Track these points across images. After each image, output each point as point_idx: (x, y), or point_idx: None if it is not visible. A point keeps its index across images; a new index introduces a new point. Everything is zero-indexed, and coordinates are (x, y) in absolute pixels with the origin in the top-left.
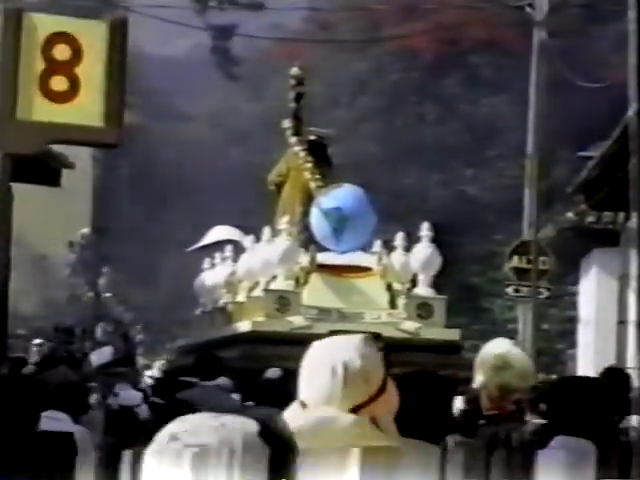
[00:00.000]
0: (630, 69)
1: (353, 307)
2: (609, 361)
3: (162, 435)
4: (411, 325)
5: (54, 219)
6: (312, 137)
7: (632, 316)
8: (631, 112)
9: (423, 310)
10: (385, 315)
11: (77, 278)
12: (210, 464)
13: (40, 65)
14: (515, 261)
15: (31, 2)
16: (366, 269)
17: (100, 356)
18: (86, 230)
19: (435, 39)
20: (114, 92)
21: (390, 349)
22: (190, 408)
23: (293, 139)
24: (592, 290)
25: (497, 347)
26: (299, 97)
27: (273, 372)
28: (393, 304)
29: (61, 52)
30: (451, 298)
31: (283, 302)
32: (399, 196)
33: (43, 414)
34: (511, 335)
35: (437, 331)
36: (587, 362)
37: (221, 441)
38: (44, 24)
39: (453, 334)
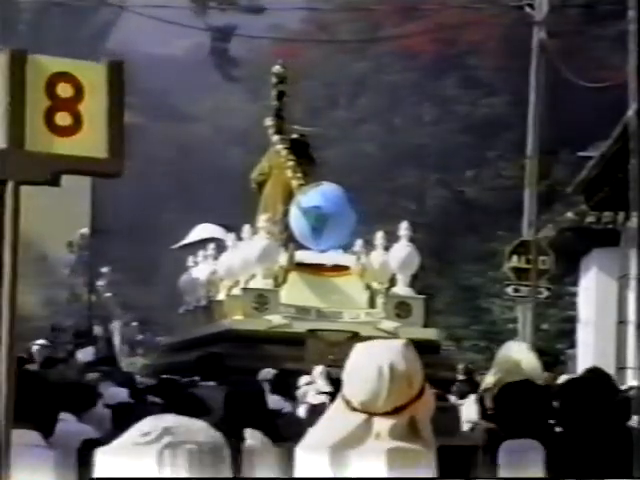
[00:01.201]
0: (630, 69)
1: (332, 306)
2: (609, 361)
3: (146, 428)
4: (390, 324)
5: (54, 219)
6: (294, 135)
7: (632, 316)
8: (631, 112)
9: (402, 309)
10: (364, 314)
11: (77, 278)
12: (205, 463)
13: (45, 102)
14: (515, 261)
15: (32, 2)
16: (345, 268)
17: (85, 355)
18: (86, 230)
19: (434, 39)
20: (114, 126)
21: None
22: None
23: (275, 137)
24: (592, 290)
25: (512, 351)
26: (281, 95)
27: (267, 373)
28: (372, 303)
29: (64, 90)
30: (451, 298)
31: (262, 301)
32: (398, 196)
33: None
34: (511, 335)
35: (416, 330)
36: (587, 362)
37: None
38: (47, 65)
39: (432, 333)
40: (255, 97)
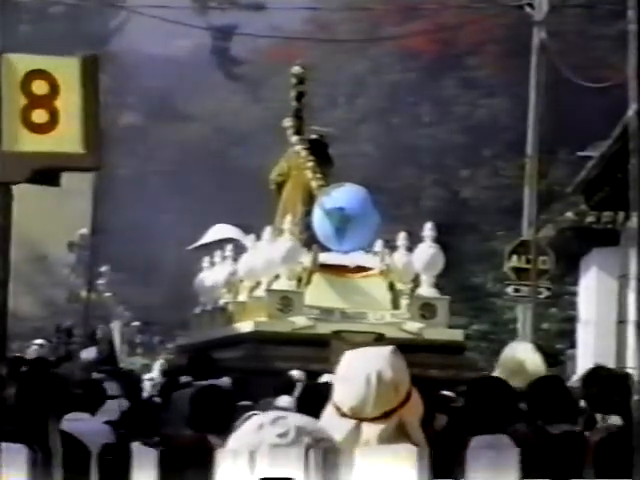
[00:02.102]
0: (630, 69)
1: (356, 307)
2: (609, 361)
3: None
4: (414, 325)
5: (54, 219)
6: (313, 136)
7: (632, 316)
8: (631, 112)
9: (426, 310)
10: (388, 315)
11: (77, 278)
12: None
13: (22, 100)
14: (515, 261)
15: (31, 4)
16: (369, 269)
17: (87, 354)
18: (85, 230)
19: (434, 40)
20: (90, 120)
21: None
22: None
23: (294, 138)
24: (592, 290)
25: (517, 351)
26: (300, 96)
27: (223, 381)
28: (396, 304)
29: (39, 87)
30: (451, 298)
31: (286, 302)
32: (397, 196)
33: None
34: (511, 335)
35: (440, 331)
36: (587, 362)
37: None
38: (22, 63)
39: (457, 335)
40: (255, 96)
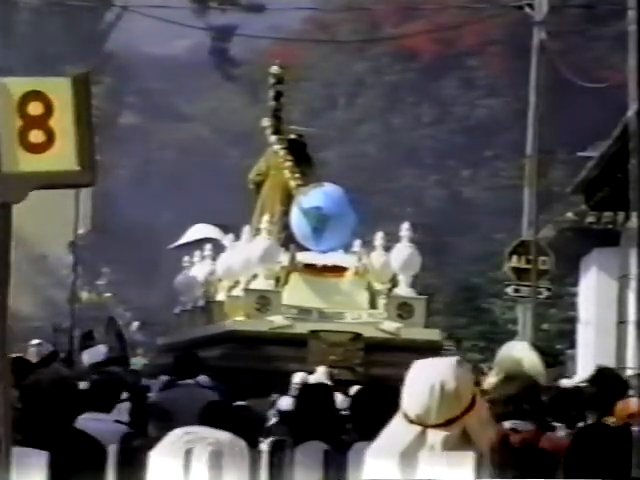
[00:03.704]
0: (630, 69)
1: (334, 307)
2: (609, 361)
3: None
4: (392, 325)
5: (54, 219)
6: (292, 136)
7: (632, 316)
8: (631, 112)
9: (403, 310)
10: (366, 315)
11: (77, 278)
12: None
13: (18, 122)
14: (515, 261)
15: (31, 4)
16: (346, 269)
17: (93, 355)
18: (86, 230)
19: (433, 40)
20: (84, 137)
21: (371, 349)
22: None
23: (272, 138)
24: (592, 290)
25: (514, 350)
26: (278, 95)
27: (202, 380)
28: (373, 304)
29: (35, 108)
30: (451, 299)
31: (263, 302)
32: (397, 197)
33: (82, 416)
34: (511, 335)
35: (418, 331)
36: (587, 362)
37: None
38: (17, 86)
39: (434, 334)
40: (254, 97)
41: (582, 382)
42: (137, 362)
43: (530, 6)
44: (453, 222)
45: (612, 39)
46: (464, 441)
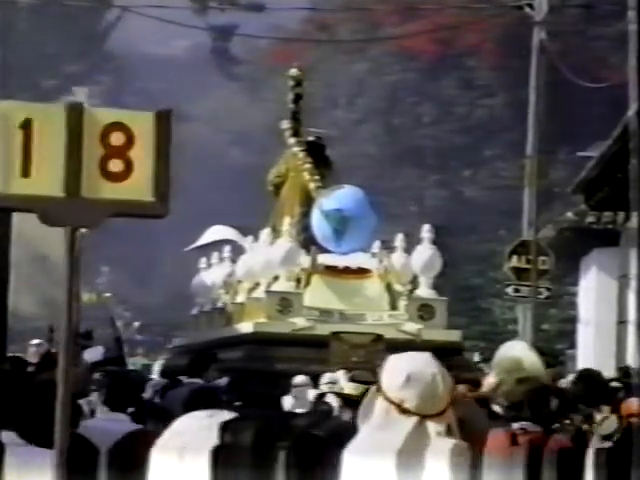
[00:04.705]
0: (630, 69)
1: (354, 308)
2: (609, 361)
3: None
4: (412, 326)
5: None
6: (311, 138)
7: (632, 316)
8: (631, 112)
9: (424, 311)
10: (386, 316)
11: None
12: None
13: (100, 151)
14: (515, 261)
15: (31, 4)
16: (367, 270)
17: (92, 355)
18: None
19: (434, 40)
20: (161, 170)
21: (392, 350)
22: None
23: (292, 140)
24: (592, 290)
25: (513, 350)
26: (298, 98)
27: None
28: (394, 305)
29: (117, 139)
30: (451, 299)
31: (285, 303)
32: (397, 197)
33: (100, 416)
34: (511, 335)
35: (438, 332)
36: (587, 362)
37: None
38: (101, 116)
39: (454, 335)
40: (254, 97)
41: (565, 383)
42: (136, 362)
43: (530, 6)
44: (453, 222)
45: (612, 39)
46: (458, 430)
